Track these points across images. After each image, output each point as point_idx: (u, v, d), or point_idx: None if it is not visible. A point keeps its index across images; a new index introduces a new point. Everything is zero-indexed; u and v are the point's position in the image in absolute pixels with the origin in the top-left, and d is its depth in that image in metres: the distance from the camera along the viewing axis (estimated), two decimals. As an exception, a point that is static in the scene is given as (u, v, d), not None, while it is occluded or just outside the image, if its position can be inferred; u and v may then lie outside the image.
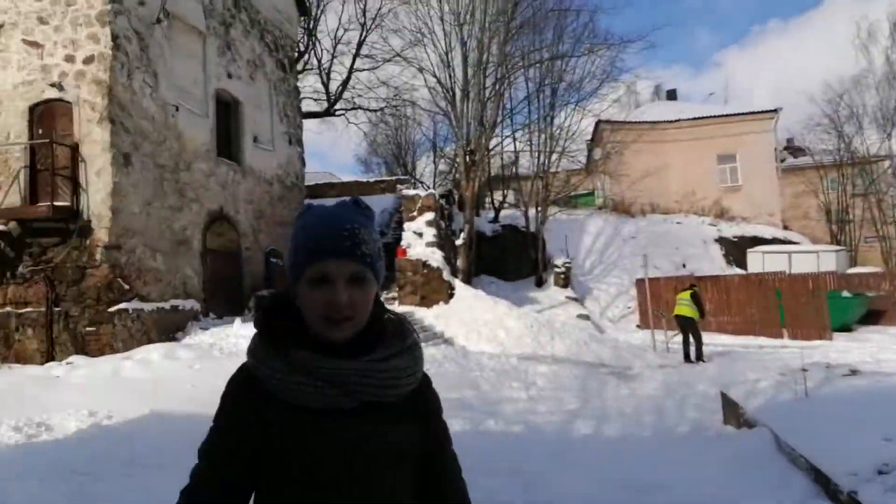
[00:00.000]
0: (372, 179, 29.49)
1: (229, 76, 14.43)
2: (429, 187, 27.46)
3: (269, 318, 1.25)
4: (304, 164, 18.17)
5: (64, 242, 10.79)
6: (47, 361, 10.27)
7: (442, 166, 32.39)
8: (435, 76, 20.97)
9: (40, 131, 11.08)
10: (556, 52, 21.88)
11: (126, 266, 11.03)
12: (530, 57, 21.84)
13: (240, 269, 14.42)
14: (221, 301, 13.51)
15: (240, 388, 1.20)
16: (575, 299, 19.72)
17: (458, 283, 15.19)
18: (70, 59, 10.95)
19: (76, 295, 10.66)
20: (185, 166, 12.69)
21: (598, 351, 12.21)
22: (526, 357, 11.26)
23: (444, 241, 18.41)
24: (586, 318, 18.36)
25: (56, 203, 10.66)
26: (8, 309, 10.80)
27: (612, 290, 20.92)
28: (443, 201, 20.56)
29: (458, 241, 19.60)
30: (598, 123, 26.80)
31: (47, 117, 11.10)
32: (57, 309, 10.66)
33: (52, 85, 10.96)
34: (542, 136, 22.65)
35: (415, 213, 16.90)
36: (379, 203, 22.11)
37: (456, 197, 23.74)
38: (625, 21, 58.65)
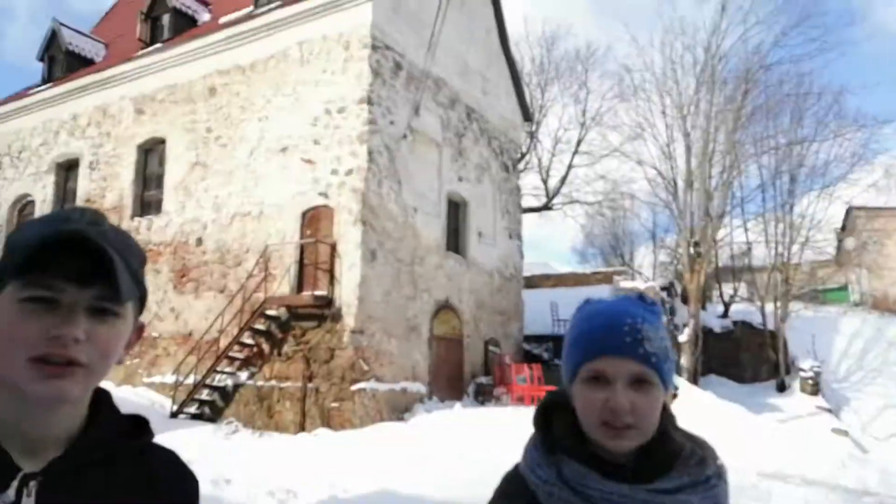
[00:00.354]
0: (588, 271, 29.46)
1: (459, 179, 15.91)
2: (648, 279, 26.62)
3: (547, 418, 1.13)
4: (522, 256, 18.95)
5: (320, 326, 12.51)
6: (299, 432, 11.76)
7: (662, 257, 31.34)
8: (655, 168, 20.81)
9: (308, 232, 13.22)
10: (794, 136, 20.48)
11: (367, 349, 12.38)
12: (764, 143, 20.70)
13: (461, 355, 15.26)
14: (444, 385, 14.36)
15: (511, 486, 1.11)
16: (828, 410, 17.26)
17: (682, 383, 14.33)
18: (335, 172, 13.05)
19: (326, 373, 12.19)
20: (419, 260, 14.07)
21: (860, 474, 10.55)
22: (767, 475, 10.13)
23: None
24: (844, 433, 15.91)
25: (316, 293, 12.50)
26: (272, 383, 12.68)
27: (875, 401, 17.96)
28: (664, 294, 19.78)
29: (682, 338, 18.55)
30: (849, 210, 24.08)
31: (314, 221, 13.23)
32: (310, 385, 12.26)
33: (320, 194, 13.12)
34: (780, 225, 20.93)
35: (633, 307, 16.50)
36: (594, 294, 21.89)
37: (678, 289, 22.69)
38: (878, 99, 52.67)
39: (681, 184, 20.25)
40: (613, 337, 1.03)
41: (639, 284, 18.65)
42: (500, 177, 17.91)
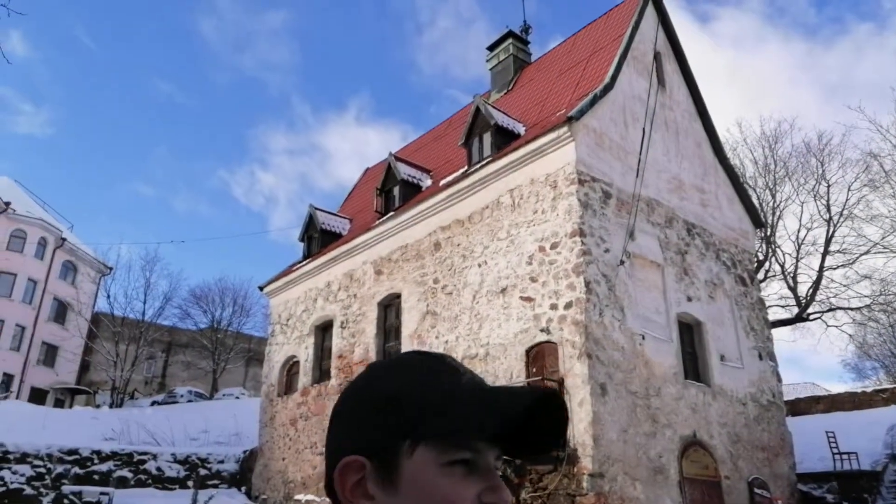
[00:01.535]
0: (869, 389, 24.68)
1: (689, 299, 14.84)
2: (957, 395, 21.51)
3: None
4: (779, 379, 16.57)
5: (556, 470, 11.92)
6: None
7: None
8: (935, 260, 17.45)
9: (534, 370, 13.12)
10: None
11: (610, 495, 11.40)
12: None
13: (721, 501, 13.29)
14: (705, 537, 12.50)
15: None
16: None
17: None
18: (554, 306, 13.04)
19: (567, 522, 11.39)
20: (654, 391, 13.03)
21: None
22: None
23: None
24: None
25: (548, 433, 12.07)
26: (514, 531, 12.16)
27: None
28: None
29: None
30: None
31: (538, 357, 13.14)
32: (552, 535, 11.51)
33: (542, 330, 13.10)
34: None
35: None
36: (883, 419, 18.13)
37: None
38: None
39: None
40: None
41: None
42: (736, 291, 16.36)
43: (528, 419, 0.76)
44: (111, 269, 39.40)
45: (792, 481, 15.33)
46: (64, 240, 38.37)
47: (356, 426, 0.81)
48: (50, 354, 37.00)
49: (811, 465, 16.45)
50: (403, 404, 0.78)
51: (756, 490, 13.86)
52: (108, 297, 38.52)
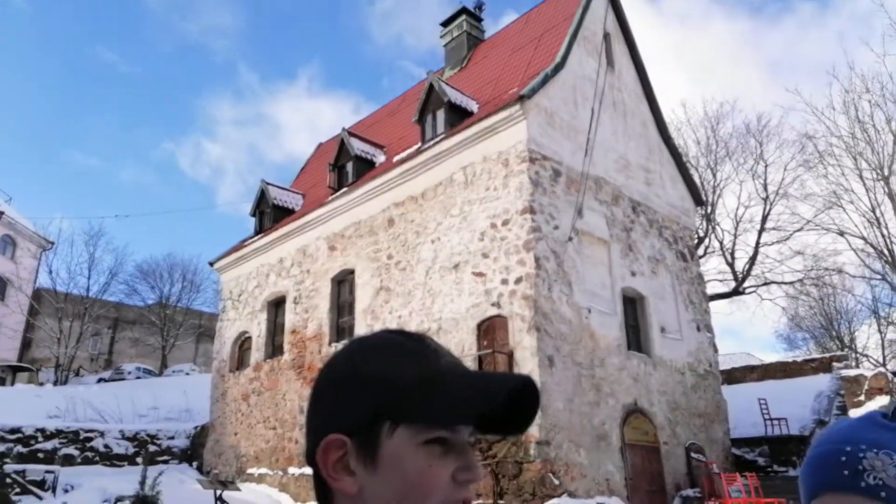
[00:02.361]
0: (799, 358, 26.19)
1: (633, 274, 15.44)
2: (877, 363, 22.98)
3: None
4: (716, 349, 17.47)
5: (504, 439, 12.38)
6: (494, 550, 11.42)
7: (892, 334, 27.01)
8: (861, 237, 18.57)
9: (485, 343, 13.50)
10: None
11: (555, 461, 11.94)
12: None
13: (660, 465, 14.06)
14: (644, 499, 13.23)
15: None
16: None
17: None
18: (504, 282, 13.40)
19: (516, 489, 11.90)
20: (599, 363, 13.60)
21: None
22: None
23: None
24: None
25: (497, 403, 12.51)
26: None
27: None
28: (900, 380, 16.88)
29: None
30: None
31: (489, 331, 13.52)
32: (501, 502, 12.00)
33: (493, 304, 13.47)
34: None
35: (861, 398, 14.31)
36: (811, 386, 19.33)
37: (920, 373, 19.22)
38: None
39: (897, 251, 17.81)
40: (830, 470, 0.88)
41: (864, 371, 16.23)
42: (677, 266, 17.08)
43: (509, 404, 0.78)
44: (52, 243, 38.01)
45: (726, 446, 16.30)
46: (1, 213, 36.76)
47: (338, 405, 0.82)
48: (-12, 331, 35.63)
49: (744, 431, 17.48)
50: (386, 385, 0.80)
51: (692, 454, 14.69)
52: (50, 272, 37.19)
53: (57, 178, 77.51)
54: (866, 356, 26.94)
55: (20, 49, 78.19)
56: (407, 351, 0.83)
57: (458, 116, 16.15)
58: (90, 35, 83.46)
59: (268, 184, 21.56)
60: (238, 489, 15.84)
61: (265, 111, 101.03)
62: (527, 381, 0.80)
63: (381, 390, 0.79)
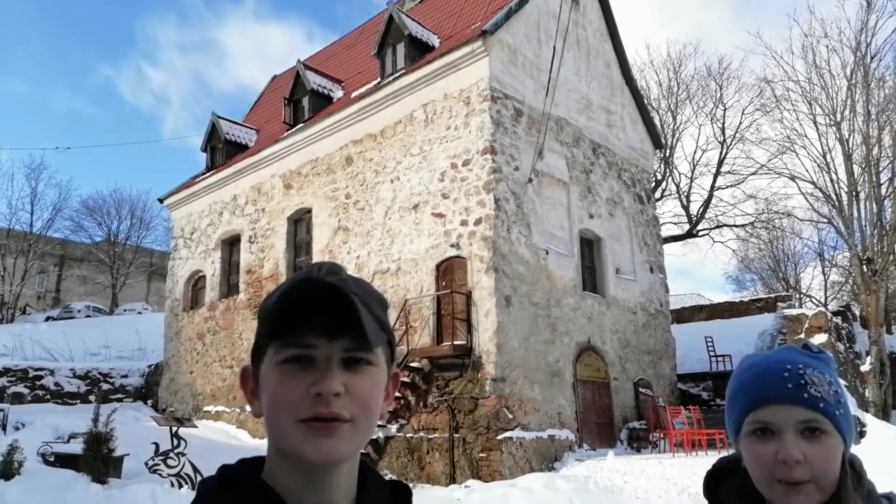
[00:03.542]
0: (746, 299, 27.26)
1: (591, 216, 15.58)
2: (819, 303, 24.11)
3: (715, 485, 1.08)
4: (667, 290, 17.98)
5: (461, 376, 12.62)
6: (450, 483, 11.80)
7: (835, 277, 28.30)
8: (812, 182, 19.10)
9: (443, 283, 13.54)
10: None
11: (510, 397, 12.26)
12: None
13: (610, 399, 14.61)
14: (594, 431, 13.79)
15: None
16: None
17: (869, 419, 12.65)
18: (464, 223, 13.35)
19: (471, 423, 12.21)
20: (555, 303, 13.84)
21: None
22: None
23: (845, 367, 15.72)
24: None
25: (455, 342, 12.68)
26: (421, 434, 12.91)
27: None
28: (838, 319, 17.79)
29: (864, 367, 16.50)
30: None
31: (448, 272, 13.54)
32: (457, 435, 12.32)
33: (452, 245, 13.44)
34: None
35: (801, 335, 15.01)
36: (755, 325, 20.22)
37: (857, 313, 20.31)
38: None
39: (844, 196, 18.39)
40: (774, 384, 0.97)
41: (805, 311, 16.99)
42: (634, 209, 17.29)
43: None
44: (-10, 177, 36.06)
45: (673, 381, 17.01)
46: (-70, 143, 34.54)
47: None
48: (-76, 269, 34.08)
49: (691, 367, 18.27)
50: (262, 314, 0.86)
51: (640, 389, 15.30)
52: (-10, 207, 35.43)
53: (-11, 107, 72.90)
54: (810, 297, 28.22)
55: None
56: (288, 280, 0.86)
57: (420, 51, 15.64)
58: None
59: (219, 117, 20.71)
60: (195, 426, 15.80)
61: (211, 36, 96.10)
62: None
63: (260, 320, 0.86)
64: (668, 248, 21.33)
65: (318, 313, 0.81)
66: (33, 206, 35.55)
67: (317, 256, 16.45)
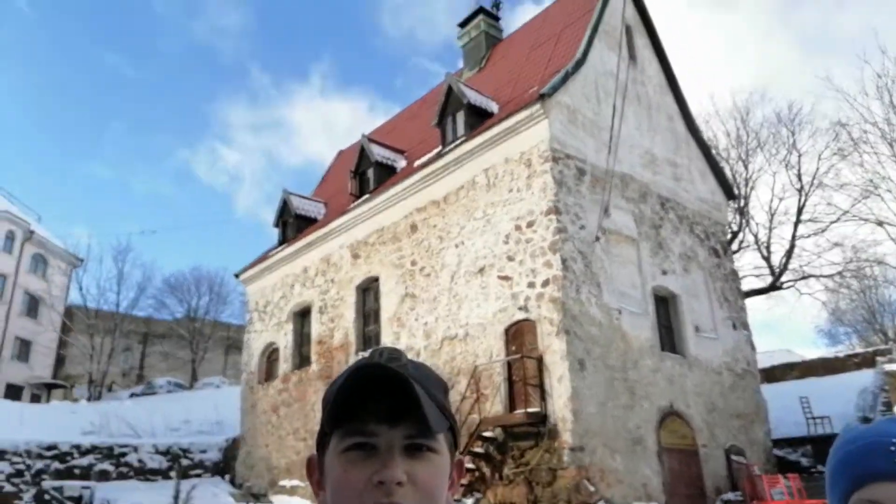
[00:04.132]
0: (842, 354, 25.31)
1: (664, 273, 14.99)
2: (924, 357, 22.03)
3: None
4: (753, 347, 16.88)
5: (537, 445, 12.06)
6: (530, 562, 11.09)
7: (939, 328, 25.97)
8: (902, 226, 17.85)
9: (513, 348, 13.19)
10: None
11: (590, 467, 11.57)
12: None
13: (699, 468, 13.58)
14: (683, 503, 12.79)
15: None
16: None
17: None
18: (531, 285, 13.08)
19: (550, 497, 11.55)
20: (632, 365, 13.19)
21: None
22: None
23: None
24: None
25: (529, 409, 12.20)
26: (498, 507, 12.30)
27: None
28: (950, 374, 16.14)
29: None
30: None
31: (517, 336, 13.20)
32: (535, 510, 11.67)
33: (520, 308, 13.15)
34: None
35: (910, 394, 13.65)
36: (854, 383, 18.63)
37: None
38: None
39: (942, 239, 17.06)
40: (877, 460, 0.89)
41: (912, 365, 15.57)
42: (710, 263, 16.56)
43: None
44: (82, 260, 38.66)
45: (767, 447, 15.71)
46: (32, 232, 37.53)
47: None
48: (24, 349, 36.35)
49: (786, 431, 16.86)
50: (325, 404, 0.86)
51: (732, 457, 14.17)
52: (81, 288, 37.68)
53: (77, 192, 78.81)
54: (912, 350, 25.91)
55: (26, 56, 79.07)
56: (349, 367, 0.86)
57: (479, 118, 15.90)
58: (95, 38, 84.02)
59: (290, 193, 21.54)
60: (270, 502, 15.77)
61: (280, 115, 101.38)
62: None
63: (324, 407, 0.85)
64: (751, 303, 20.22)
65: (379, 400, 0.81)
66: (120, 286, 37.69)
67: (385, 325, 16.46)
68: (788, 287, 24.81)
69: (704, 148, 18.17)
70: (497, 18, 22.20)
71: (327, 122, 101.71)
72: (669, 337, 14.70)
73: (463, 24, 22.22)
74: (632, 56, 16.48)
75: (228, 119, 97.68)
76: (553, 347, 12.33)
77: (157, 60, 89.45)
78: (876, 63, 21.56)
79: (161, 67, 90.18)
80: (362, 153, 19.21)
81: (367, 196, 18.27)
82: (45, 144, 79.48)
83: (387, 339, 16.28)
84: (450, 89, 16.42)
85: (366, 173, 19.24)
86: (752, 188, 25.00)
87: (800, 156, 24.23)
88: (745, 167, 25.14)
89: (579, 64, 14.73)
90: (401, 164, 19.06)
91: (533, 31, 19.10)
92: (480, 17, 21.69)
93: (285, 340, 19.97)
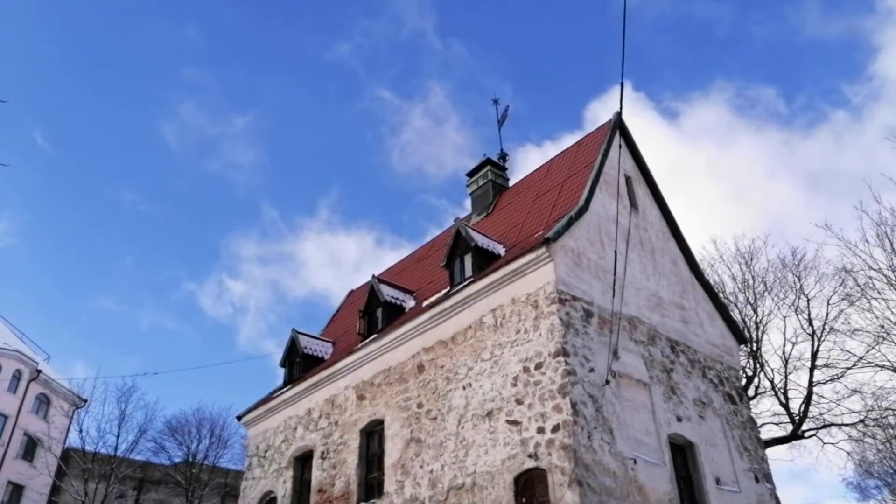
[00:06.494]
0: (876, 511, 23.60)
1: (678, 419, 14.47)
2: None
3: None
4: (778, 502, 15.82)
5: None
6: None
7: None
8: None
9: (524, 500, 12.43)
10: None
11: None
12: None
13: None
14: None
15: None
16: None
17: None
18: (541, 430, 12.61)
19: None
20: (651, 520, 12.32)
21: None
22: None
23: None
24: None
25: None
26: None
27: None
28: None
29: None
30: None
31: (528, 486, 12.50)
32: None
33: (529, 456, 12.58)
34: None
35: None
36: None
37: None
38: None
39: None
40: None
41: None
42: (726, 410, 16.01)
43: None
44: (86, 401, 37.89)
45: None
46: (39, 372, 37.31)
47: None
48: (15, 495, 34.75)
49: None
50: None
51: None
52: (81, 430, 36.62)
53: (85, 327, 79.13)
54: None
55: (42, 191, 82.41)
56: None
57: (486, 260, 16.26)
58: (110, 176, 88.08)
59: (299, 333, 21.56)
60: None
61: (288, 249, 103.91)
62: None
63: None
64: (773, 452, 19.27)
65: None
66: (120, 428, 36.57)
67: (389, 472, 15.71)
68: (811, 436, 23.71)
69: (710, 292, 18.27)
70: (503, 169, 23.43)
71: (334, 256, 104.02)
72: (689, 490, 13.87)
73: (471, 174, 23.44)
74: (633, 203, 17.14)
75: (238, 252, 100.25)
76: (566, 500, 11.61)
77: (170, 196, 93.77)
78: (872, 211, 22.12)
79: (173, 202, 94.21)
80: (372, 293, 19.46)
81: (374, 335, 18.24)
82: (55, 280, 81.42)
83: (391, 489, 15.46)
84: (458, 233, 16.97)
85: (375, 313, 19.36)
86: (763, 332, 24.72)
87: (808, 300, 24.18)
88: (755, 311, 25.04)
89: (582, 210, 15.30)
90: (409, 303, 19.22)
91: (537, 180, 20.06)
92: (488, 167, 22.93)
93: (284, 489, 18.99)
